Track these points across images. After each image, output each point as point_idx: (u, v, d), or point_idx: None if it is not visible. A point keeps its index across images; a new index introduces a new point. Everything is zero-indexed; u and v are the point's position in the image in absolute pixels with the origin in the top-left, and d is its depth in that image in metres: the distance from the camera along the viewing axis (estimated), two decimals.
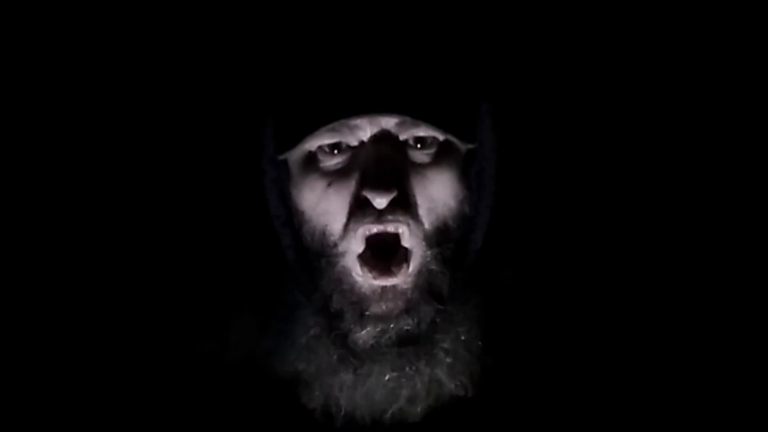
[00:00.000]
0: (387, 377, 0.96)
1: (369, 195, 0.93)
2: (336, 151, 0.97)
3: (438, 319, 0.97)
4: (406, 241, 0.95)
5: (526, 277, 1.09)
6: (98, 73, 1.34)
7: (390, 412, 0.97)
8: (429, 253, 0.96)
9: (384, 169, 0.94)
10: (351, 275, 0.96)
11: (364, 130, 0.95)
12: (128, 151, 1.34)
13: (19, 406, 1.21)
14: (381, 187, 0.93)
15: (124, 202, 1.34)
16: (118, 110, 1.35)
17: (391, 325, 0.95)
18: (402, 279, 0.95)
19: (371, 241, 0.95)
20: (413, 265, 0.95)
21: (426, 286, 0.96)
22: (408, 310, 0.95)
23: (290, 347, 1.02)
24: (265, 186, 1.06)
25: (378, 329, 0.95)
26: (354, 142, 0.96)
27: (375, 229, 0.95)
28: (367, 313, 0.95)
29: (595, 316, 1.06)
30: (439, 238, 0.97)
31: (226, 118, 1.29)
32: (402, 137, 0.95)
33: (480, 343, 1.01)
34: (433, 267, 0.96)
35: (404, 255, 0.95)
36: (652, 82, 1.32)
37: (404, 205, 0.94)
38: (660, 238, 1.26)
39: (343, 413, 0.98)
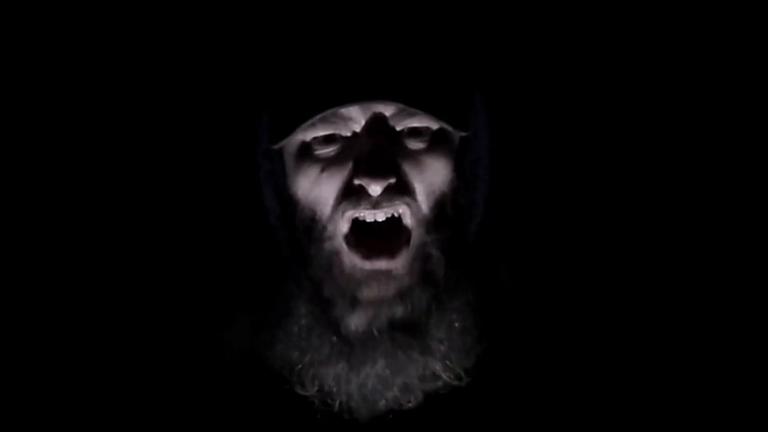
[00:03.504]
0: (380, 366, 0.95)
1: (364, 182, 0.93)
2: (330, 142, 0.97)
3: (432, 306, 0.96)
4: (408, 220, 0.95)
5: (522, 268, 1.08)
6: (93, 69, 1.34)
7: (384, 400, 0.96)
8: (427, 237, 0.95)
9: (379, 157, 0.94)
10: (340, 259, 0.96)
11: (358, 121, 0.95)
12: (122, 146, 1.34)
13: (17, 405, 1.21)
14: (376, 174, 0.93)
15: (118, 199, 1.34)
16: (112, 106, 1.35)
17: (384, 311, 0.94)
18: (393, 264, 0.94)
19: (358, 225, 0.95)
20: (412, 248, 0.95)
21: (422, 271, 0.95)
22: (402, 296, 0.95)
23: (284, 338, 1.01)
24: (261, 179, 1.05)
25: (370, 315, 0.94)
26: (347, 133, 0.96)
27: (369, 216, 0.95)
28: (358, 298, 0.95)
29: (590, 308, 1.05)
30: (437, 223, 0.96)
31: (220, 112, 1.29)
32: (397, 128, 0.96)
33: (475, 332, 1.00)
34: (431, 251, 0.96)
35: (406, 237, 0.95)
36: (646, 73, 1.32)
37: (402, 190, 0.95)
38: (655, 232, 1.26)
39: (338, 402, 0.97)
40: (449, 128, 0.97)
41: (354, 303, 0.95)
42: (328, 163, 0.97)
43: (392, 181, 0.94)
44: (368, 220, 0.96)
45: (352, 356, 0.96)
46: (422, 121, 0.96)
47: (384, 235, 0.95)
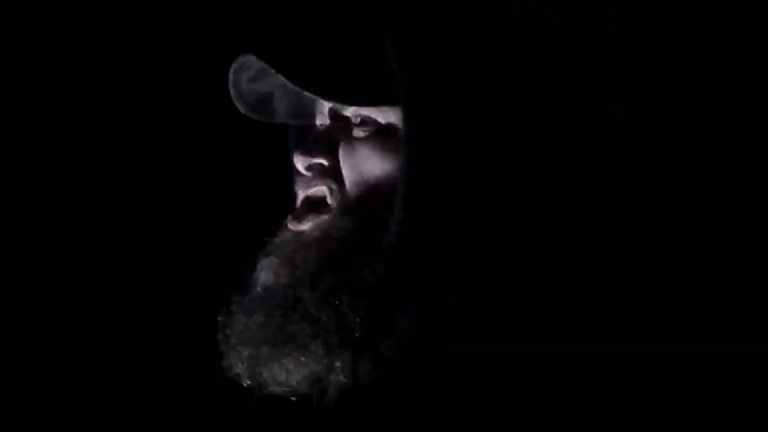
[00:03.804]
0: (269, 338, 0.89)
1: (293, 158, 0.93)
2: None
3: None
4: (329, 201, 0.91)
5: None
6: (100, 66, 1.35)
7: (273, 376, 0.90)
8: (351, 224, 0.90)
9: (315, 138, 0.94)
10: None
11: (322, 112, 0.95)
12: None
13: (18, 406, 1.22)
14: (302, 151, 0.92)
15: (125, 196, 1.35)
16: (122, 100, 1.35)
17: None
18: (309, 227, 0.91)
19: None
20: (328, 219, 0.91)
21: (341, 259, 0.89)
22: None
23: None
24: None
25: (275, 271, 0.91)
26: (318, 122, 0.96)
27: (303, 193, 0.93)
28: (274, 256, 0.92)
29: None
30: (364, 220, 0.90)
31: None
32: (351, 116, 0.92)
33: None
34: (357, 252, 0.89)
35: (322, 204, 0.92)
36: None
37: (331, 173, 0.91)
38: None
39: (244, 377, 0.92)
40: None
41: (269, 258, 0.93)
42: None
43: (319, 161, 0.91)
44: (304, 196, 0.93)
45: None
46: (370, 110, 0.91)
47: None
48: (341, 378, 0.88)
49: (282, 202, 0.97)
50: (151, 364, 1.27)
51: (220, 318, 0.93)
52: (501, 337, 0.86)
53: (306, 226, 0.91)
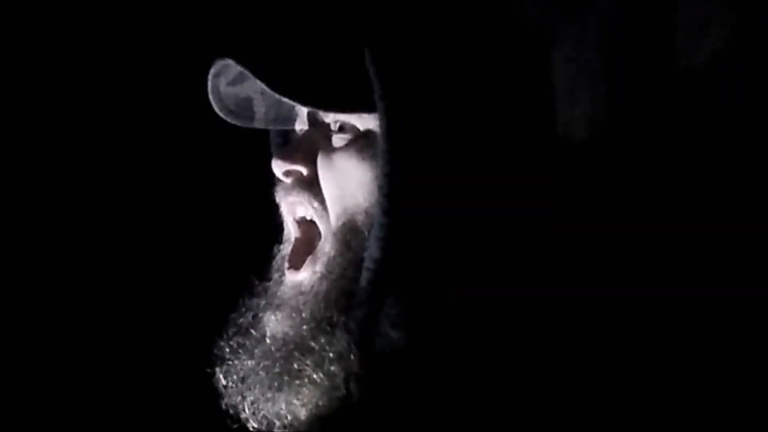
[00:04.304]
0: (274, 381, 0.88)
1: (272, 164, 0.90)
2: None
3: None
4: (320, 227, 0.88)
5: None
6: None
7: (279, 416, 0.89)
8: (340, 252, 0.86)
9: (294, 143, 0.92)
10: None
11: (302, 118, 0.93)
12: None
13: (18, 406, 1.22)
14: (280, 157, 0.89)
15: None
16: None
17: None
18: (307, 275, 0.88)
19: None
20: (321, 260, 0.87)
21: (339, 290, 0.86)
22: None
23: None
24: None
25: (280, 323, 0.88)
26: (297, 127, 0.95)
27: (288, 215, 0.91)
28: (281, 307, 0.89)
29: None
30: (350, 239, 0.86)
31: None
32: (326, 120, 0.90)
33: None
34: (348, 272, 0.86)
35: (314, 246, 0.89)
36: None
37: (309, 182, 0.88)
38: None
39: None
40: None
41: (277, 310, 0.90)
42: None
43: (296, 168, 0.89)
44: (283, 212, 0.92)
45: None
46: (349, 117, 0.88)
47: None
48: (348, 399, 0.85)
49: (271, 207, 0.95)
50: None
51: (217, 366, 0.92)
52: (501, 337, 0.84)
53: (303, 274, 0.89)
